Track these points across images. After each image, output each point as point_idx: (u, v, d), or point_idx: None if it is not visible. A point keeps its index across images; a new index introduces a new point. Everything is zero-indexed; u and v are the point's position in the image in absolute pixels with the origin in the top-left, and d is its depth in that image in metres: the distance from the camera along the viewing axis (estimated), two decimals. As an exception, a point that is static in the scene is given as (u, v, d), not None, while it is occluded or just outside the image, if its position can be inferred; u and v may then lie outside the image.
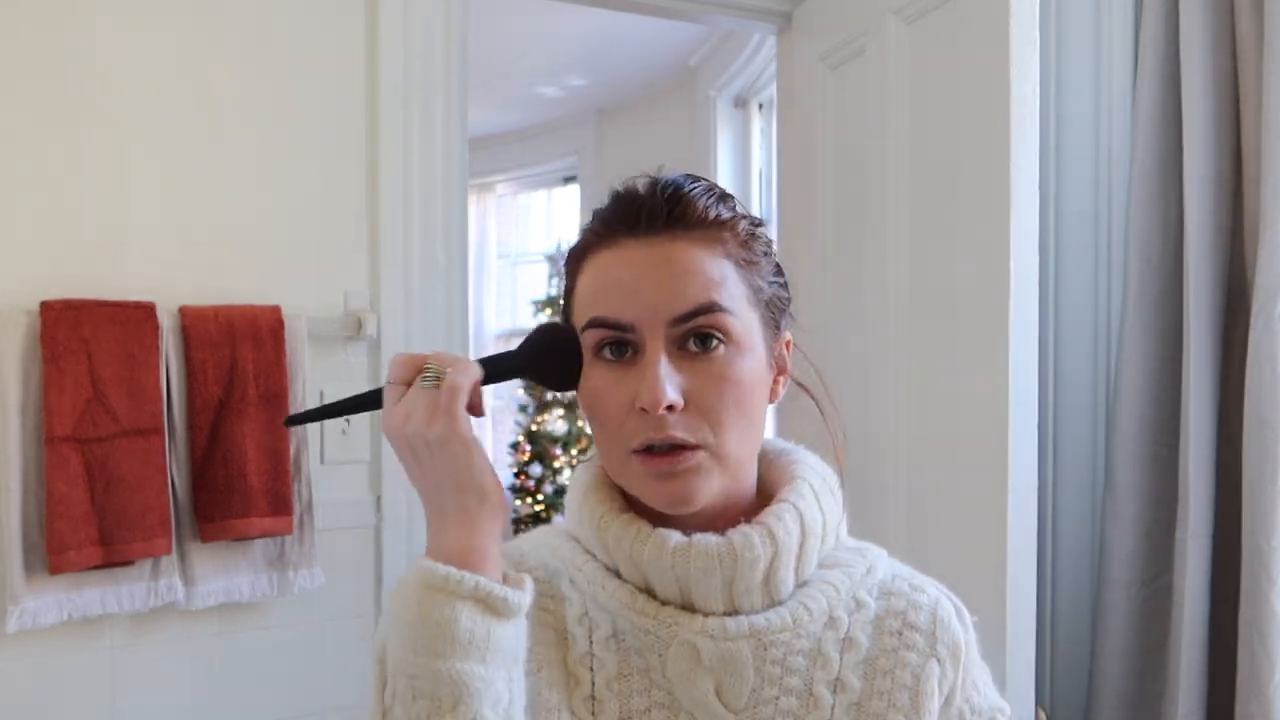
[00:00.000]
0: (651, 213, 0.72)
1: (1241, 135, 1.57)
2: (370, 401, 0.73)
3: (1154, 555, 1.65)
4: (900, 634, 0.77)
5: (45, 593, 1.40)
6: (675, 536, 0.72)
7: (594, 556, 0.77)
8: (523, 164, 5.05)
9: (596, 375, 0.73)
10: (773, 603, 0.73)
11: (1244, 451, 1.48)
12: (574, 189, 4.93)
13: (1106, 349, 1.77)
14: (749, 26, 2.22)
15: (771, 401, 0.77)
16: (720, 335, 0.71)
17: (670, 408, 0.69)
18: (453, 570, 0.65)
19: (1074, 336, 1.77)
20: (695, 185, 0.75)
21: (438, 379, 0.69)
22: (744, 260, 0.74)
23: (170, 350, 1.48)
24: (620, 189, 0.76)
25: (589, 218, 0.77)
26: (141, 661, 1.52)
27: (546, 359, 0.75)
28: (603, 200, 0.78)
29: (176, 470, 1.49)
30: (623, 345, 0.71)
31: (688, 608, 0.73)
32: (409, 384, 0.70)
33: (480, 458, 0.69)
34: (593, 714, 0.74)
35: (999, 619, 1.41)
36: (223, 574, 1.52)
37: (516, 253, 5.39)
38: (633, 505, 0.76)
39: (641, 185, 0.75)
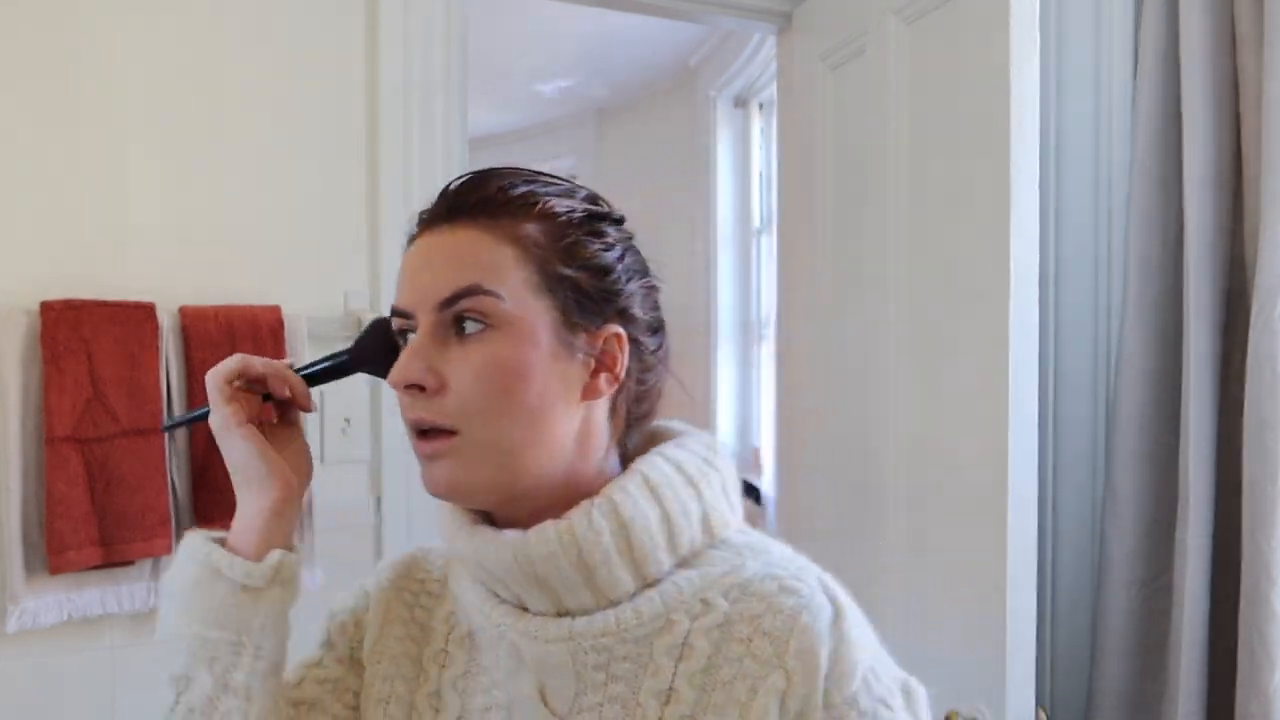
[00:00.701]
0: (440, 203, 0.73)
1: (1241, 135, 1.57)
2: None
3: (1154, 555, 1.65)
4: (749, 641, 0.68)
5: (45, 593, 1.40)
6: (483, 531, 0.72)
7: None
8: (522, 164, 5.05)
9: None
10: (608, 604, 0.69)
11: (1244, 451, 1.48)
12: (574, 189, 4.92)
13: (1106, 349, 1.77)
14: (749, 26, 2.22)
15: (588, 398, 0.73)
16: (481, 319, 0.69)
17: (421, 388, 0.69)
18: (196, 537, 0.76)
19: (1074, 336, 1.77)
20: (504, 171, 0.74)
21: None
22: (539, 245, 0.71)
23: (170, 350, 1.48)
24: None
25: None
26: (141, 661, 1.52)
27: (378, 354, 0.77)
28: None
29: (176, 470, 1.49)
30: (410, 330, 0.73)
31: (523, 607, 0.72)
32: None
33: (248, 447, 0.76)
34: (435, 710, 0.76)
35: (999, 619, 1.41)
36: (223, 574, 1.52)
37: (516, 253, 5.39)
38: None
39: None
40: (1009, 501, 1.40)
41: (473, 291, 0.69)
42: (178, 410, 1.49)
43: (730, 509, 0.76)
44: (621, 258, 0.75)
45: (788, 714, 0.67)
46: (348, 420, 1.66)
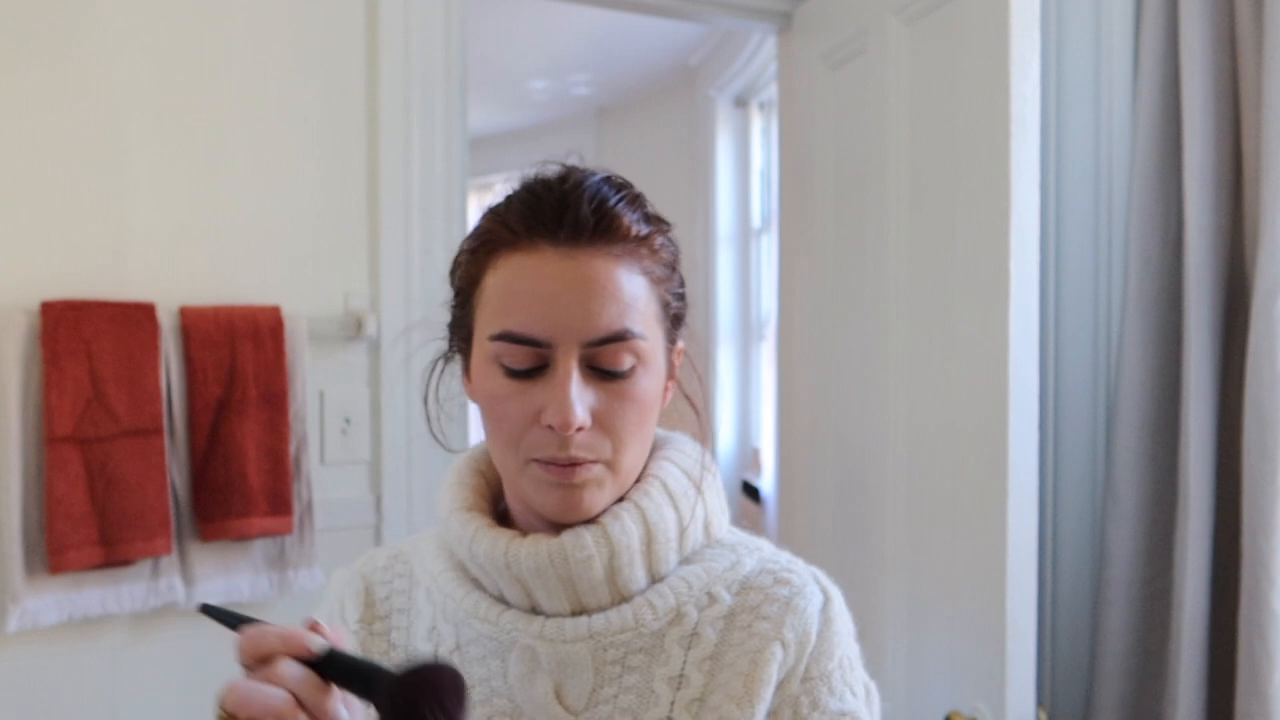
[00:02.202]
0: (577, 224, 0.70)
1: (1241, 135, 1.57)
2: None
3: (1154, 555, 1.65)
4: (749, 627, 0.74)
5: (46, 592, 1.40)
6: (509, 534, 0.73)
7: (457, 564, 0.78)
8: (523, 164, 5.05)
9: (497, 381, 0.72)
10: (621, 600, 0.73)
11: (1244, 451, 1.48)
12: (574, 189, 4.92)
13: (1106, 349, 1.77)
14: (749, 26, 2.22)
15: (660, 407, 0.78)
16: (631, 359, 0.71)
17: (579, 428, 0.69)
18: None
19: (1074, 336, 1.77)
20: (620, 196, 0.73)
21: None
22: (658, 276, 0.74)
23: (170, 350, 1.48)
24: (535, 182, 0.73)
25: (500, 205, 0.74)
26: (141, 661, 1.52)
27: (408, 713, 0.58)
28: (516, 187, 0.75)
29: (176, 470, 1.49)
30: (530, 356, 0.70)
31: (536, 609, 0.74)
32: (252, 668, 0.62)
33: None
34: None
35: (999, 619, 1.41)
36: (223, 574, 1.52)
37: (516, 253, 5.39)
38: (498, 511, 0.79)
39: (560, 183, 0.72)
40: (1009, 501, 1.40)
41: (627, 335, 0.70)
42: (177, 410, 1.49)
43: (722, 510, 0.82)
44: (681, 276, 0.78)
45: (777, 680, 0.73)
46: (348, 420, 1.66)
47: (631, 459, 0.73)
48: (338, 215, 1.66)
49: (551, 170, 0.75)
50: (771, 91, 3.06)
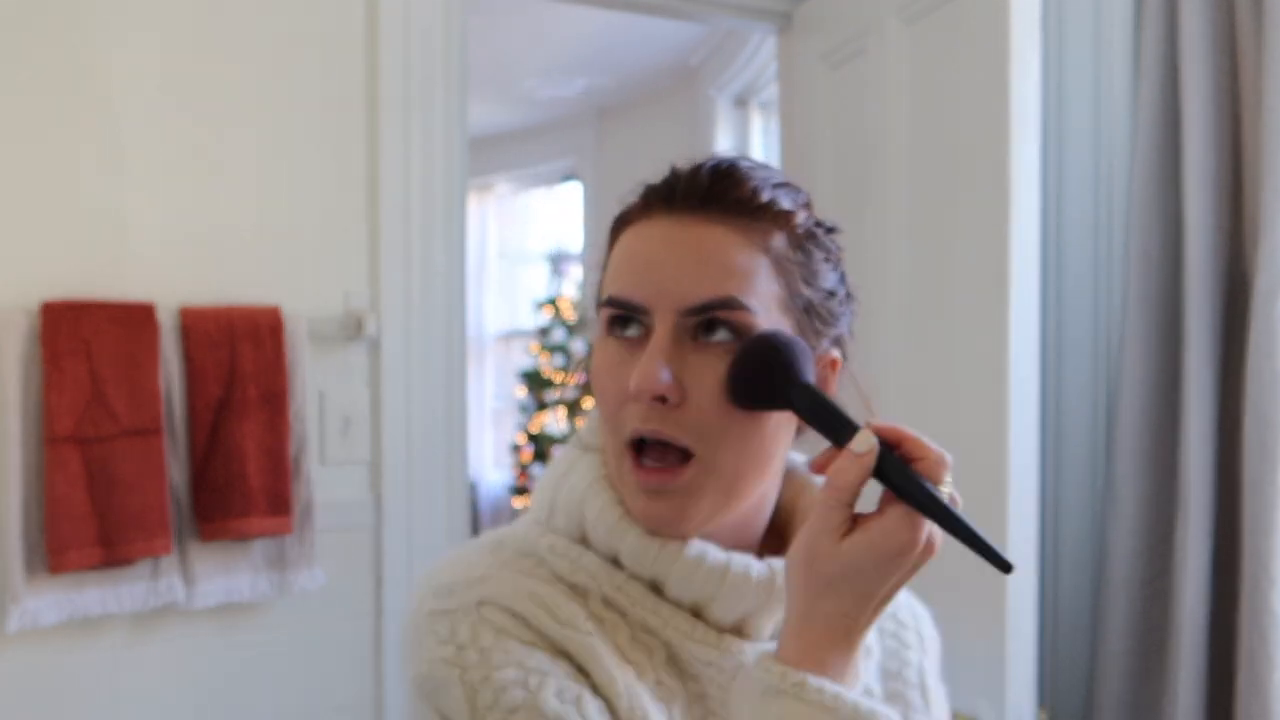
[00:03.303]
0: (690, 187, 0.65)
1: (1241, 135, 1.57)
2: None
3: (1154, 555, 1.65)
4: (896, 635, 0.79)
5: (46, 592, 1.40)
6: (711, 554, 0.66)
7: (624, 570, 0.68)
8: (523, 164, 5.05)
9: (604, 352, 0.67)
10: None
11: (1244, 451, 1.48)
12: (574, 186, 4.92)
13: (1106, 349, 1.77)
14: (749, 26, 2.22)
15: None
16: (731, 332, 0.63)
17: (663, 399, 0.62)
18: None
19: (1074, 337, 1.77)
20: (752, 167, 0.67)
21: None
22: (787, 259, 0.66)
23: (170, 350, 1.48)
24: (677, 164, 0.69)
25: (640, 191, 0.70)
26: (141, 661, 1.52)
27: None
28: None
29: (176, 470, 1.49)
30: (634, 324, 0.65)
31: (738, 632, 0.68)
32: None
33: None
34: None
35: (999, 619, 1.41)
36: (223, 574, 1.52)
37: (516, 253, 5.39)
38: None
39: (699, 161, 0.68)
40: (1009, 501, 1.40)
41: (730, 304, 0.63)
42: (177, 410, 1.48)
43: None
44: (842, 278, 0.73)
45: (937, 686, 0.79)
46: (348, 420, 1.66)
47: (733, 457, 0.64)
48: (338, 215, 1.65)
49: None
50: (771, 91, 3.06)
